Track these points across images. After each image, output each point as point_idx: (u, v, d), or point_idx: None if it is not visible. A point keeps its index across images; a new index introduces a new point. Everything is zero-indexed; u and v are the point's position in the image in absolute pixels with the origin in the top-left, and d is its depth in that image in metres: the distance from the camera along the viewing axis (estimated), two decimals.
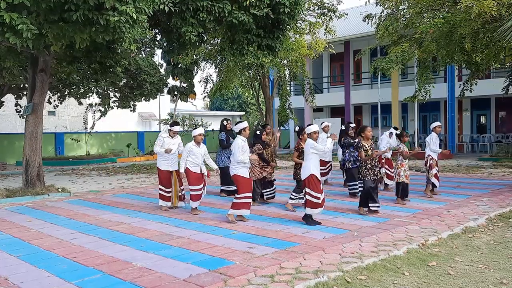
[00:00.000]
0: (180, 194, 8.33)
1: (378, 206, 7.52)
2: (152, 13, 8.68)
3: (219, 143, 9.97)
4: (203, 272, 4.58)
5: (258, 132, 8.51)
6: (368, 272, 4.50)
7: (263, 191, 8.70)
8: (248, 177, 7.15)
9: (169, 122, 8.83)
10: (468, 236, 6.02)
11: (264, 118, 22.03)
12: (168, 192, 8.29)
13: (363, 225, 6.62)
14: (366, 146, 7.54)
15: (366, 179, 7.47)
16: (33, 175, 10.67)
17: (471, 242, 5.71)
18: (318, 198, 6.60)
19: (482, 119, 23.95)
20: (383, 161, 9.69)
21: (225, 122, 9.96)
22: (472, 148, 22.65)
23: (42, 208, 8.92)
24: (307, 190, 6.69)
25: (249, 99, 39.87)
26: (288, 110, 21.68)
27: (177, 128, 8.48)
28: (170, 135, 8.41)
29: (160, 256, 5.21)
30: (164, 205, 8.30)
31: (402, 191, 8.46)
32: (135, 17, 7.74)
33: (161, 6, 9.65)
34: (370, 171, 7.47)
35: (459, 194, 9.42)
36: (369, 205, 7.46)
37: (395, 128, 9.81)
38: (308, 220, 6.74)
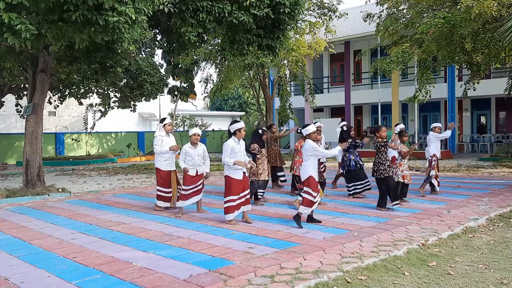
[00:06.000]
0: (178, 194, 8.22)
1: (399, 202, 7.89)
2: (151, 14, 8.67)
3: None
4: (203, 272, 4.58)
5: (260, 131, 8.46)
6: (368, 272, 4.50)
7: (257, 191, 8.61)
8: (241, 179, 6.85)
9: (160, 119, 8.43)
10: (468, 236, 6.02)
11: (264, 118, 22.02)
12: (168, 193, 8.23)
13: (363, 225, 6.62)
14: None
15: (387, 175, 7.74)
16: (33, 175, 10.67)
17: (471, 242, 5.71)
18: (315, 197, 6.62)
19: (482, 119, 23.96)
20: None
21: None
22: (472, 148, 22.66)
23: (42, 208, 8.92)
24: (306, 189, 6.65)
25: (249, 99, 39.84)
26: (288, 110, 21.68)
27: (168, 121, 8.29)
28: (166, 133, 8.23)
29: (160, 256, 5.21)
30: (162, 205, 8.20)
31: (400, 191, 8.32)
32: (134, 18, 7.73)
33: (161, 7, 9.64)
34: (390, 168, 7.79)
35: (459, 194, 9.42)
36: (393, 203, 7.77)
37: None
38: (298, 219, 6.62)
